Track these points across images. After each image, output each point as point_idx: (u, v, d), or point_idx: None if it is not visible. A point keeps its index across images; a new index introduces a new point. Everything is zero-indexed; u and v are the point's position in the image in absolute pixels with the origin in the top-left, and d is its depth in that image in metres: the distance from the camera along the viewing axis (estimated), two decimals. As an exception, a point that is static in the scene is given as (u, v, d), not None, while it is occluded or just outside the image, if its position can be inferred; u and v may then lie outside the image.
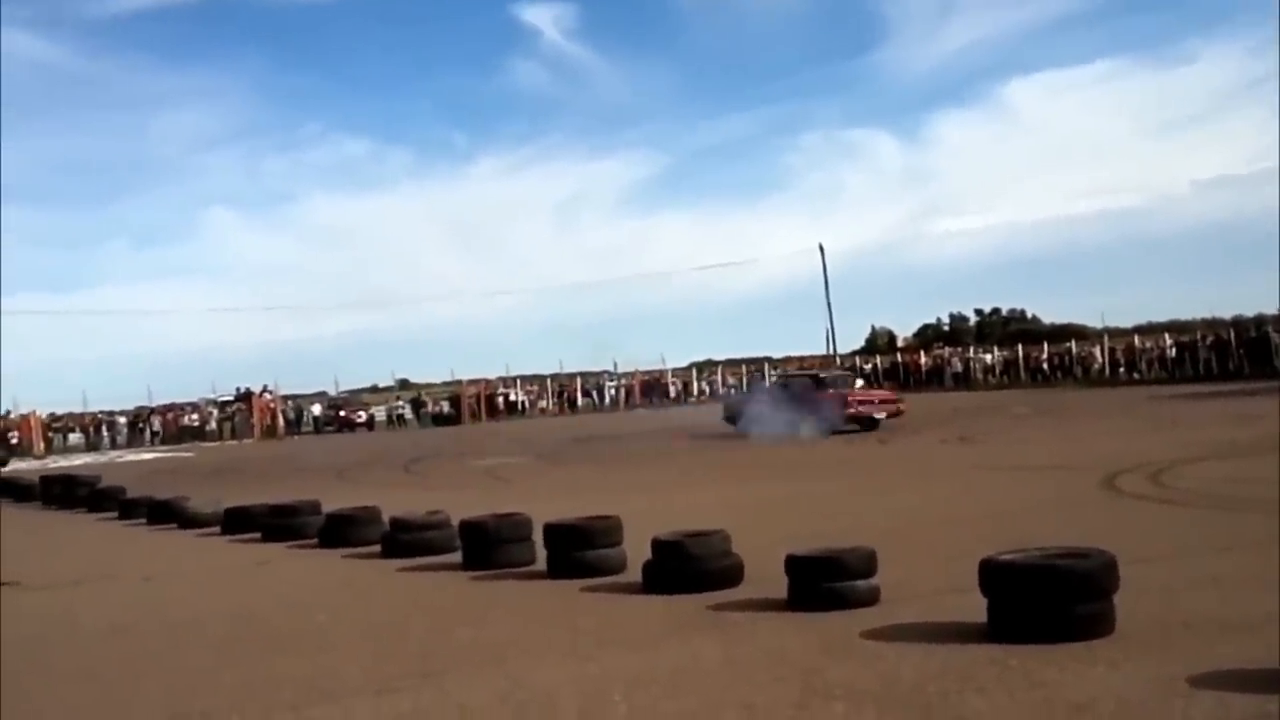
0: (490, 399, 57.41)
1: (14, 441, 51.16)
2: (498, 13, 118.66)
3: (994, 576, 7.40)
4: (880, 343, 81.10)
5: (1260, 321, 54.12)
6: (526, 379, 61.76)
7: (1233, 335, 47.14)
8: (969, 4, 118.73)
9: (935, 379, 56.49)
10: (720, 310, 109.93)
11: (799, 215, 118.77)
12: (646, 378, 62.91)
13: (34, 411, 54.77)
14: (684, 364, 70.53)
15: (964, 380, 54.98)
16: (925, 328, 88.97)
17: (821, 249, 67.73)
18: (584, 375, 63.83)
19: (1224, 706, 5.84)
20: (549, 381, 62.08)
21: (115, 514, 20.44)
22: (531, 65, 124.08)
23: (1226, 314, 62.54)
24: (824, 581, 8.58)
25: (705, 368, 70.09)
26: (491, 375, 59.30)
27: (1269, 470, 15.70)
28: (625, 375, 63.30)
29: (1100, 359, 51.84)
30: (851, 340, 78.66)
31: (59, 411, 57.13)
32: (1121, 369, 50.18)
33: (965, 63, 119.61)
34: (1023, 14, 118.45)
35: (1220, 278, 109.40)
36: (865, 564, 8.69)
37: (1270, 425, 22.32)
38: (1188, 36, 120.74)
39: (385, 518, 13.79)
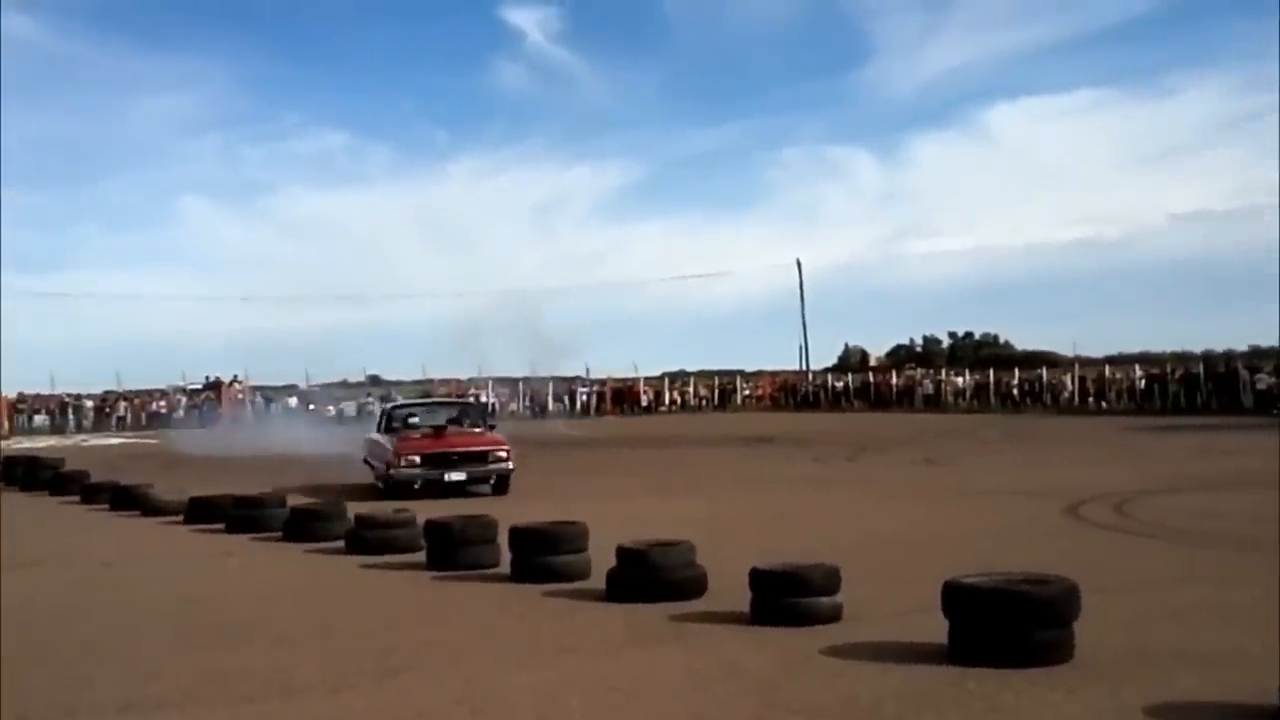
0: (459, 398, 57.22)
1: (-22, 420, 50.73)
2: (483, 13, 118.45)
3: (956, 599, 7.41)
4: (853, 361, 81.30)
5: (1230, 357, 54.51)
6: (498, 381, 61.62)
7: (1202, 370, 47.46)
8: (954, 26, 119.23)
9: (906, 400, 56.63)
10: (694, 321, 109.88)
11: (777, 230, 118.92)
12: (619, 386, 62.87)
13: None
14: (656, 373, 70.62)
15: (935, 402, 55.12)
16: (898, 348, 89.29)
17: (799, 264, 67.99)
18: (556, 380, 63.75)
19: (1178, 738, 5.88)
20: (520, 385, 61.96)
21: (78, 498, 20.31)
22: (515, 67, 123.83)
23: (1197, 348, 63.06)
24: (787, 597, 8.60)
25: (678, 378, 70.11)
26: (463, 376, 59.10)
27: (1231, 505, 15.82)
28: (597, 382, 63.26)
29: (1070, 387, 52.08)
30: (825, 357, 78.87)
31: (26, 392, 56.69)
32: (1091, 398, 50.42)
33: (948, 85, 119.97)
34: (1008, 39, 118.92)
35: (1192, 312, 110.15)
36: (829, 581, 8.70)
37: (1235, 461, 22.46)
38: (1172, 70, 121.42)
39: (350, 514, 13.75)
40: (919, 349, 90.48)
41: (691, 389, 65.49)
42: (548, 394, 60.31)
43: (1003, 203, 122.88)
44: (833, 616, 8.60)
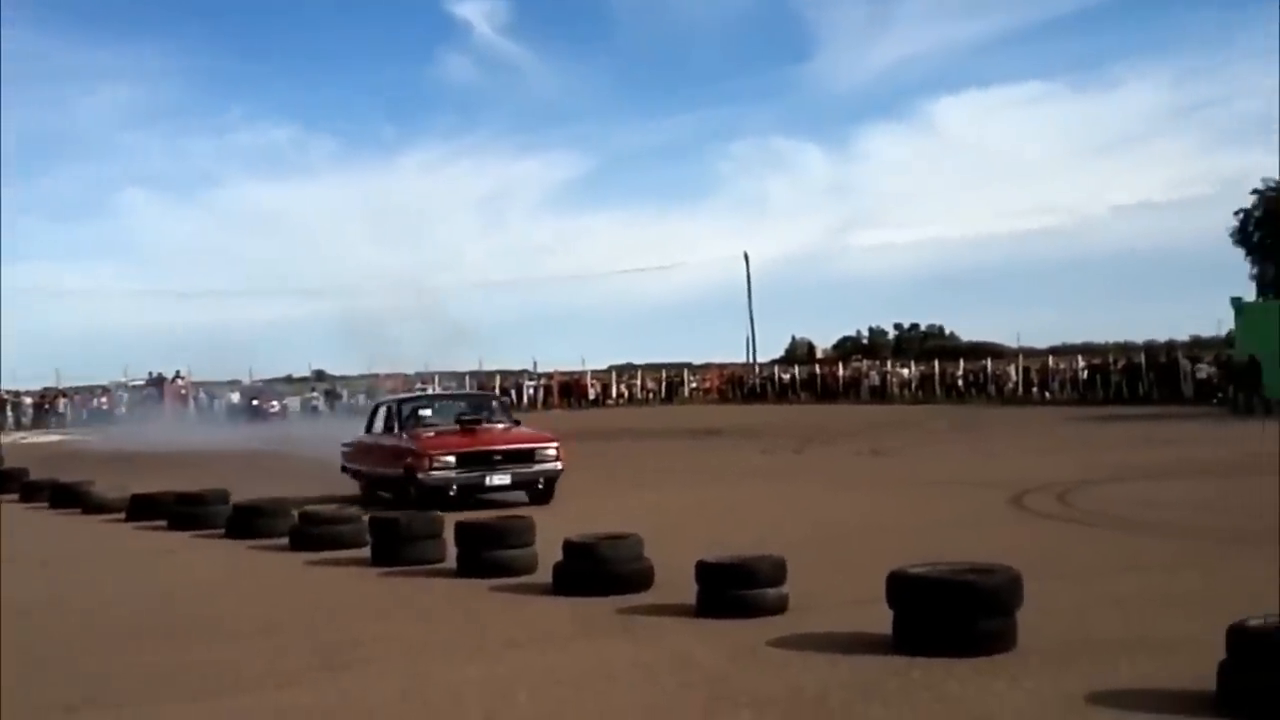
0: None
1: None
2: (430, 5, 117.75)
3: (900, 589, 7.46)
4: (800, 353, 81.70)
5: (1171, 347, 55.15)
6: (445, 375, 61.38)
7: (1144, 360, 47.99)
8: (901, 19, 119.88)
9: (852, 391, 56.89)
10: (642, 314, 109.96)
11: (725, 222, 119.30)
12: (566, 379, 62.81)
13: (-65, 389, 53.53)
14: (604, 366, 70.61)
15: (881, 394, 55.38)
16: (844, 340, 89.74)
17: (746, 257, 68.17)
18: (504, 374, 63.59)
19: (1120, 725, 5.94)
20: (467, 378, 61.77)
21: (16, 496, 20.04)
22: (462, 59, 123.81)
23: (1139, 339, 63.80)
24: (734, 589, 8.61)
25: (625, 371, 70.11)
26: (410, 370, 58.79)
27: (1172, 493, 16.03)
28: (544, 375, 63.17)
29: (1015, 378, 52.47)
30: (772, 349, 79.17)
31: (-38, 389, 55.87)
32: (1035, 389, 50.87)
33: (895, 77, 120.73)
34: (955, 32, 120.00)
35: (1135, 303, 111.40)
36: (775, 572, 8.73)
37: (1176, 450, 22.74)
38: (1116, 62, 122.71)
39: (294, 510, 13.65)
40: (865, 341, 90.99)
41: (639, 382, 65.50)
42: (493, 387, 60.15)
43: (949, 194, 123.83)
44: (779, 608, 8.63)
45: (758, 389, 61.20)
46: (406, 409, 18.30)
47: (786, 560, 8.84)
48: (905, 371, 58.60)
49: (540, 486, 16.41)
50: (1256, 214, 63.66)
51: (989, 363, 55.90)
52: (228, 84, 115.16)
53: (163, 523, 15.25)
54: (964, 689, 6.63)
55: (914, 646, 7.26)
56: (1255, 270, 63.15)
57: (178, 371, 56.75)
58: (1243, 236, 64.28)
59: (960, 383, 54.47)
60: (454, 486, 15.99)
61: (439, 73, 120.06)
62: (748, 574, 8.64)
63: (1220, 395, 38.95)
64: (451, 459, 16.09)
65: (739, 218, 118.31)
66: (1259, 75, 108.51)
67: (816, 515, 15.04)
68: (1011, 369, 53.88)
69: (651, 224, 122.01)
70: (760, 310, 69.66)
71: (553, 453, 16.62)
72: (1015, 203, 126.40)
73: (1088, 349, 60.84)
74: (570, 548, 9.85)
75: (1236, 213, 64.59)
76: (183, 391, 55.95)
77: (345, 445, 19.61)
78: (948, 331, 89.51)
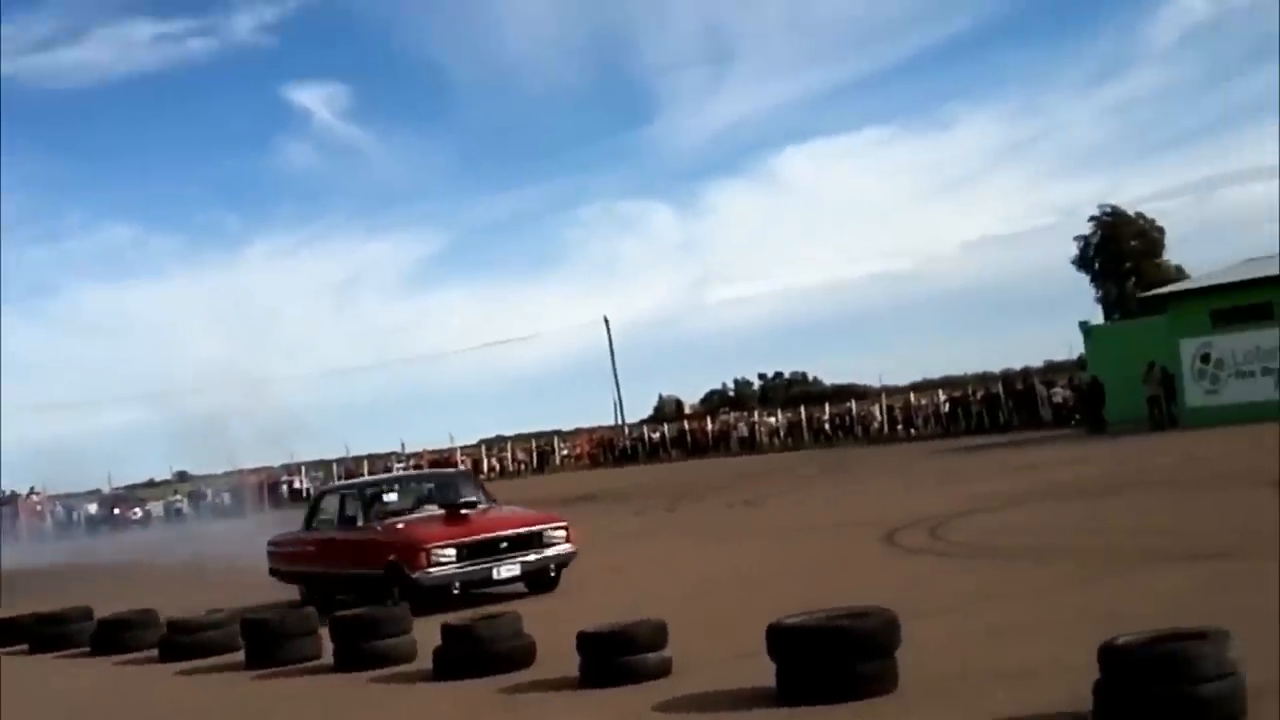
0: (274, 487, 55.85)
1: None
2: (266, 94, 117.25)
3: (780, 640, 7.48)
4: (668, 411, 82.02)
5: (1027, 374, 56.52)
6: (311, 465, 60.38)
7: (1002, 389, 49.07)
8: (737, 77, 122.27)
9: (722, 444, 57.21)
10: (508, 386, 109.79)
11: (582, 287, 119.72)
12: (435, 457, 62.16)
13: None
14: (473, 441, 70.11)
15: (750, 444, 55.77)
16: (711, 394, 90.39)
17: (606, 321, 68.35)
18: (371, 458, 62.76)
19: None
20: (334, 466, 60.85)
21: None
22: (304, 146, 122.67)
23: (996, 368, 65.33)
24: (616, 657, 8.56)
25: (495, 444, 69.69)
26: (275, 463, 57.68)
27: (1038, 518, 16.35)
28: (413, 456, 62.48)
29: (879, 417, 53.24)
30: (640, 409, 79.45)
31: None
32: (899, 426, 51.68)
33: (737, 134, 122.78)
34: (791, 86, 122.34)
35: (990, 334, 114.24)
36: (656, 636, 8.70)
37: (1040, 474, 23.22)
38: (949, 103, 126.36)
39: (163, 620, 13.23)
40: (732, 393, 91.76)
41: (509, 454, 65.15)
42: (362, 473, 59.30)
43: (800, 243, 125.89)
44: (662, 671, 8.59)
45: (629, 450, 61.21)
46: (369, 494, 15.76)
47: (666, 623, 8.82)
48: (772, 420, 59.12)
49: (552, 574, 14.56)
50: (1095, 240, 65.96)
51: (853, 404, 56.67)
52: (62, 189, 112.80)
53: (24, 646, 14.66)
54: (849, 735, 6.65)
55: (797, 697, 7.29)
56: (1099, 293, 65.37)
57: (31, 488, 54.97)
58: (1084, 262, 66.53)
59: (827, 426, 55.09)
60: (456, 584, 13.77)
61: (280, 161, 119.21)
62: (628, 641, 8.59)
63: (1076, 417, 40.00)
64: (452, 552, 13.82)
65: (595, 282, 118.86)
66: (1083, 108, 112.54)
67: (692, 573, 15.03)
68: (876, 409, 54.69)
69: (509, 295, 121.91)
70: (625, 371, 69.92)
71: (562, 534, 14.57)
72: (866, 246, 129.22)
73: (948, 382, 62.12)
74: (448, 631, 9.71)
75: (1077, 239, 66.88)
76: (38, 507, 54.12)
77: (275, 544, 17.06)
78: (811, 377, 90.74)
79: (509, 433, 75.25)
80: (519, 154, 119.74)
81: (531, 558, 14.21)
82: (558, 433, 69.47)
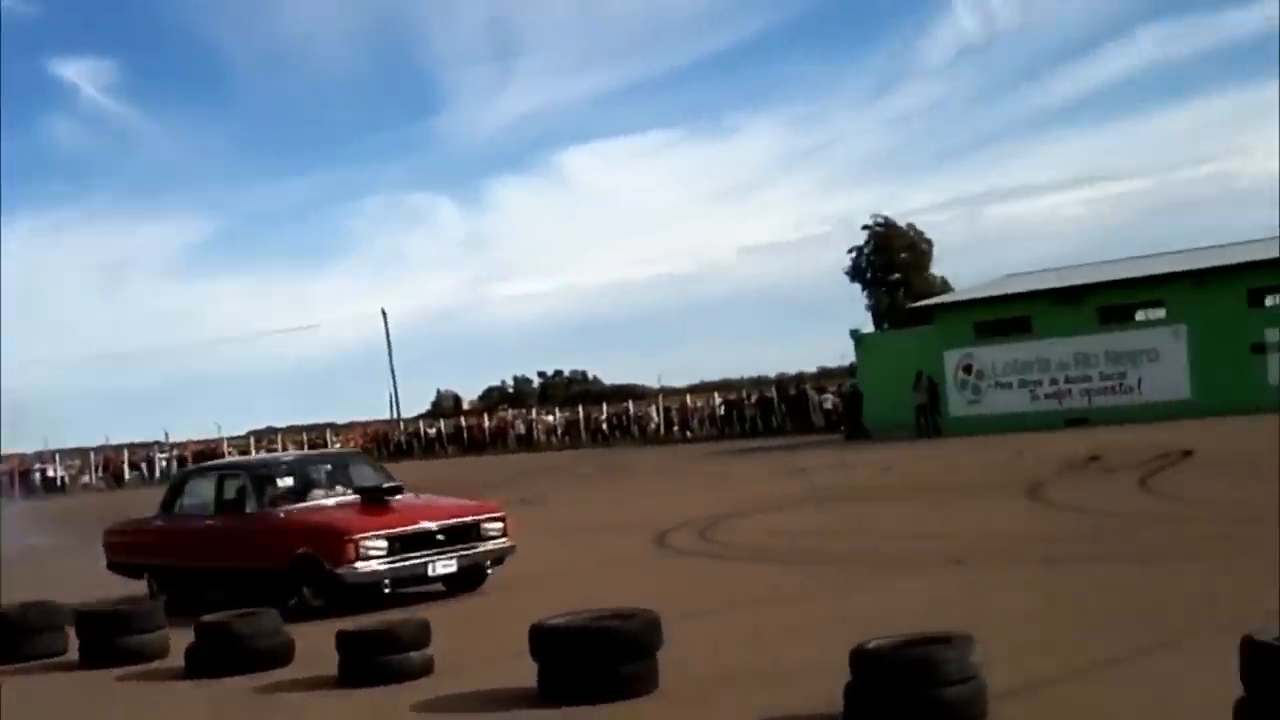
0: (25, 475, 53.36)
1: None
2: (29, 68, 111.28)
3: (542, 641, 7.45)
4: (446, 406, 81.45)
5: (800, 380, 57.92)
6: (67, 453, 57.92)
7: (775, 393, 50.13)
8: (524, 74, 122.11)
9: (500, 441, 57.00)
10: (281, 376, 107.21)
11: (362, 279, 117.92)
12: (201, 448, 60.33)
13: None
14: (242, 433, 68.35)
15: (528, 442, 55.71)
16: (490, 390, 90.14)
17: (384, 313, 67.40)
18: (132, 447, 60.58)
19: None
20: (91, 455, 58.51)
21: None
22: (71, 123, 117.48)
23: (772, 373, 66.75)
24: (376, 655, 8.40)
25: (265, 435, 68.05)
26: (29, 450, 55.11)
27: (804, 522, 16.71)
28: (177, 446, 60.55)
29: (656, 418, 53.86)
30: (417, 404, 78.69)
31: None
32: (676, 427, 52.33)
33: (523, 130, 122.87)
34: (578, 85, 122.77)
35: (768, 339, 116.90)
36: (418, 635, 8.57)
37: (808, 479, 23.74)
38: (732, 110, 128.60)
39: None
40: (511, 390, 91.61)
41: (280, 446, 63.68)
42: (123, 462, 57.20)
43: (584, 243, 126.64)
44: (424, 670, 8.47)
45: (404, 445, 60.53)
46: (260, 475, 13.60)
47: (429, 621, 8.70)
48: (550, 418, 59.20)
49: (489, 571, 12.95)
50: (868, 250, 67.96)
51: (631, 405, 57.17)
52: None
53: None
54: (608, 736, 6.66)
55: (559, 697, 7.26)
56: (870, 302, 67.37)
57: None
58: (857, 271, 68.48)
59: (605, 426, 55.43)
60: (387, 581, 11.96)
61: (45, 138, 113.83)
62: (390, 639, 8.44)
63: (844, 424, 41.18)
64: (383, 544, 11.93)
65: (376, 274, 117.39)
66: (861, 120, 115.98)
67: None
68: (653, 409, 55.27)
69: (286, 284, 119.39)
70: (404, 365, 69.28)
71: (499, 526, 12.90)
72: (648, 249, 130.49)
73: (725, 385, 63.19)
74: (202, 628, 9.39)
75: (850, 250, 68.79)
76: None
77: (116, 533, 15.16)
78: (591, 376, 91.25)
79: (280, 424, 73.63)
80: (300, 140, 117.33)
81: (468, 552, 12.48)
82: (331, 426, 68.26)
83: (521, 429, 57.96)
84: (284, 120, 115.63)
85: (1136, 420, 29.23)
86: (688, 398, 57.03)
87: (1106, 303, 34.09)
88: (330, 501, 13.06)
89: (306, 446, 61.60)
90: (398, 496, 13.03)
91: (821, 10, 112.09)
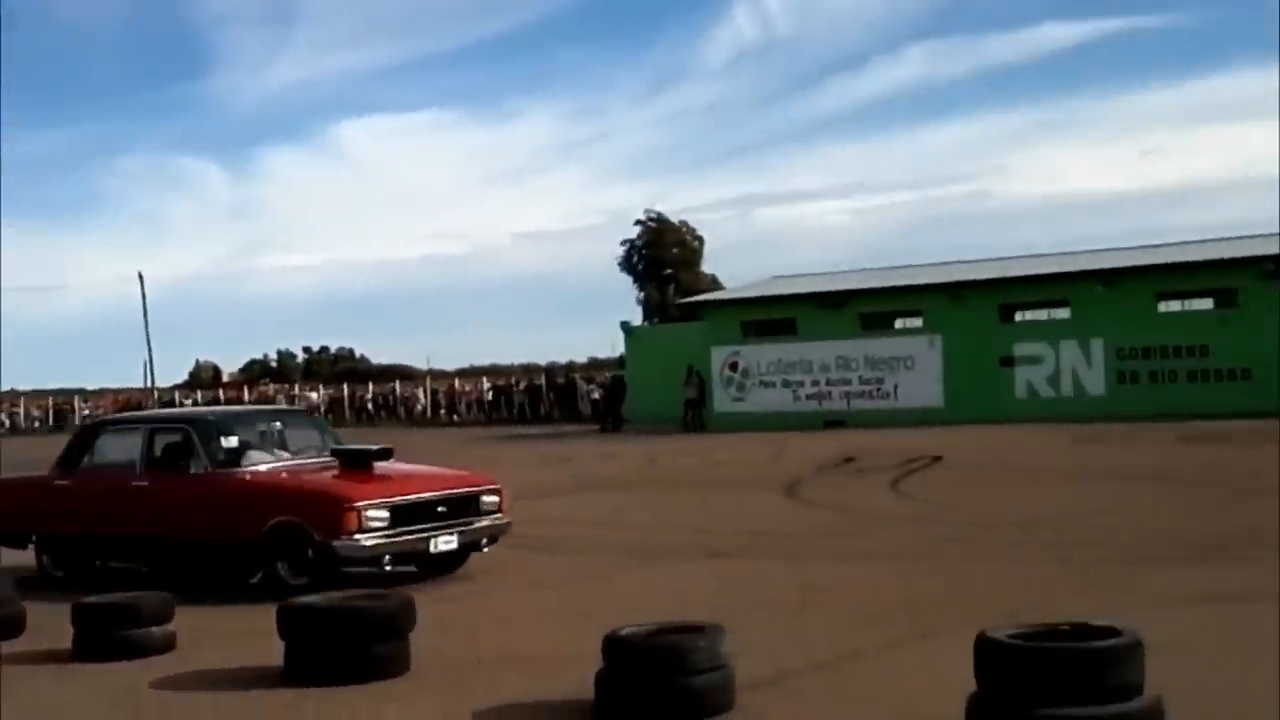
0: None
1: None
2: None
3: (290, 619, 7.27)
4: (205, 377, 79.10)
5: (570, 369, 58.17)
6: None
7: (545, 381, 50.25)
8: (299, 43, 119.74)
9: (260, 416, 55.72)
10: (24, 338, 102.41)
11: (118, 242, 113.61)
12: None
13: None
14: (-21, 393, 65.05)
15: (288, 418, 54.65)
16: (252, 363, 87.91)
17: (141, 278, 64.90)
18: None
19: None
20: None
21: None
22: None
23: (542, 361, 66.91)
24: (115, 629, 8.08)
25: (6, 398, 64.86)
26: None
27: (570, 511, 16.75)
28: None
29: (424, 400, 53.40)
30: (175, 374, 76.12)
31: None
32: (443, 410, 51.96)
33: (297, 100, 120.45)
34: (354, 57, 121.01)
35: (538, 326, 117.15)
36: (161, 610, 8.28)
37: (571, 467, 23.85)
38: (510, 95, 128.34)
39: None
40: (274, 364, 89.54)
41: (22, 410, 60.79)
42: None
43: (357, 218, 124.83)
44: (166, 646, 8.20)
45: (159, 415, 58.51)
46: (207, 430, 11.58)
47: (172, 596, 8.42)
48: (314, 395, 58.08)
49: (484, 550, 11.34)
50: (640, 244, 68.71)
51: (398, 385, 56.52)
52: None
53: None
54: (355, 716, 6.54)
55: (306, 677, 7.10)
56: (641, 295, 68.15)
57: None
58: (629, 264, 69.18)
59: (370, 405, 54.66)
60: (388, 557, 10.41)
61: None
62: (130, 612, 8.14)
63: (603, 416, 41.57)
64: (385, 514, 10.40)
65: (134, 237, 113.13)
66: (639, 115, 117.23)
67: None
68: (420, 391, 54.76)
69: (31, 241, 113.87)
70: (161, 334, 66.86)
71: (496, 499, 11.44)
72: (421, 227, 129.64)
73: (495, 371, 63.06)
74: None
75: (623, 243, 69.43)
76: None
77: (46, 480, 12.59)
78: (359, 354, 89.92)
79: (24, 386, 70.27)
80: (56, 91, 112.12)
81: (466, 528, 10.97)
82: (80, 392, 65.46)
83: (283, 404, 56.67)
84: (37, 67, 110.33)
85: (891, 424, 30.26)
86: (456, 381, 56.69)
87: (868, 309, 35.27)
88: (308, 463, 11.48)
89: (51, 412, 59.05)
90: (386, 463, 11.39)
91: (604, 3, 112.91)
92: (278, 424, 12.39)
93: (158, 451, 11.63)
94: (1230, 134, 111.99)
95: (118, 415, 13.75)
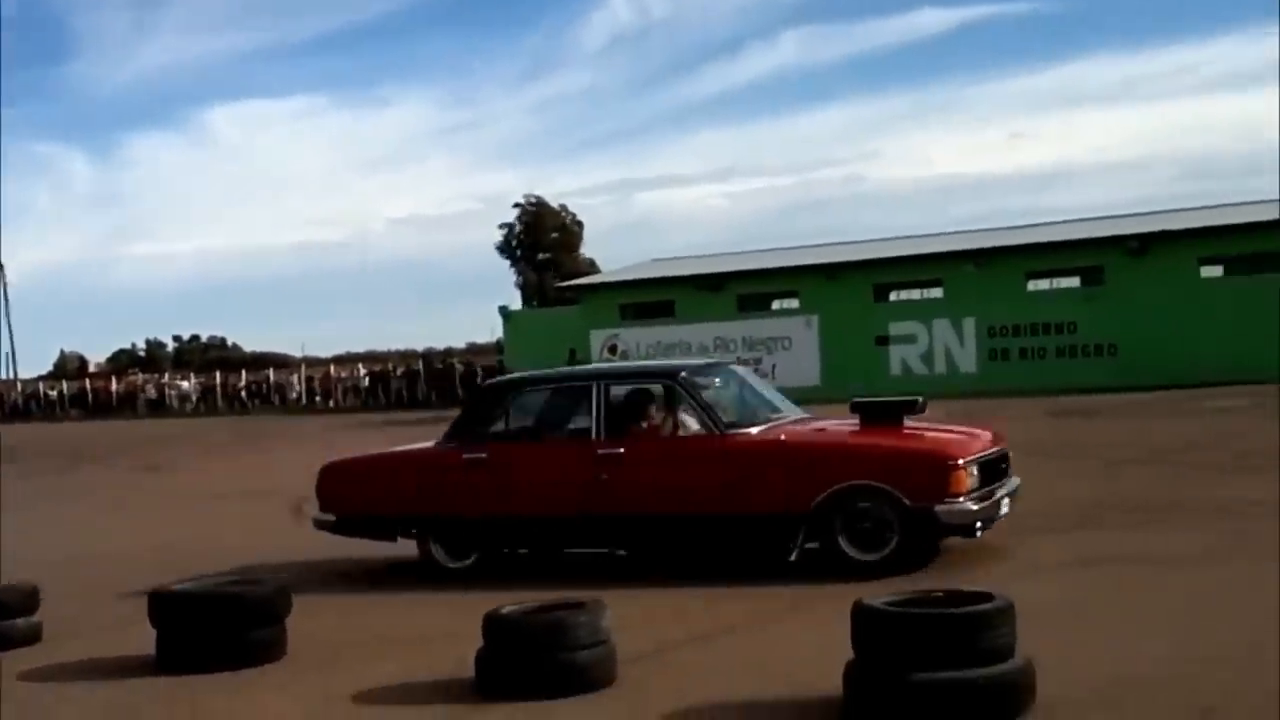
0: None
1: None
2: None
3: (163, 607, 7.13)
4: (70, 367, 77.19)
5: (447, 355, 57.83)
6: None
7: (422, 367, 49.87)
8: (166, 26, 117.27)
9: (129, 406, 54.39)
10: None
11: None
12: None
13: None
14: None
15: (159, 407, 53.43)
16: (120, 353, 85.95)
17: (1, 267, 63.14)
18: None
19: (385, 721, 6.00)
20: None
21: None
22: None
23: (420, 347, 66.43)
24: (-25, 622, 7.84)
25: None
26: None
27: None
28: None
29: (298, 387, 52.65)
30: (38, 364, 74.11)
31: None
32: (319, 398, 51.29)
33: (164, 84, 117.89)
34: (224, 42, 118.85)
35: (415, 313, 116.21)
36: (25, 601, 8.06)
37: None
38: (384, 82, 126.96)
39: None
40: (143, 353, 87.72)
41: None
42: None
43: (227, 204, 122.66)
44: (31, 638, 7.99)
45: (21, 407, 56.93)
46: (704, 385, 9.90)
47: (38, 587, 8.20)
48: (185, 384, 56.95)
49: (981, 529, 9.26)
50: (519, 228, 68.55)
51: (271, 373, 55.68)
52: None
53: None
54: (232, 702, 6.44)
55: (180, 665, 6.97)
56: (519, 279, 68.03)
57: None
58: (508, 249, 68.99)
59: (244, 393, 53.78)
60: (979, 523, 9.05)
61: None
62: (-10, 604, 7.90)
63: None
64: (976, 473, 9.04)
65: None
66: (514, 102, 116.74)
67: (83, 538, 14.12)
68: (295, 378, 54.00)
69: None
70: (22, 323, 65.09)
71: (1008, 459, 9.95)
72: (293, 214, 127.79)
73: (372, 357, 62.43)
74: None
75: (501, 226, 69.20)
76: None
77: (356, 472, 11.19)
78: (231, 343, 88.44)
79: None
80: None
81: (1010, 491, 9.57)
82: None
83: (153, 394, 55.53)
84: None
85: (768, 404, 30.52)
86: (331, 368, 55.96)
87: (745, 291, 35.57)
88: (825, 423, 10.11)
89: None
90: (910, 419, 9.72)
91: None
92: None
93: (624, 413, 9.81)
94: (1096, 118, 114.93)
95: (533, 374, 12.59)
